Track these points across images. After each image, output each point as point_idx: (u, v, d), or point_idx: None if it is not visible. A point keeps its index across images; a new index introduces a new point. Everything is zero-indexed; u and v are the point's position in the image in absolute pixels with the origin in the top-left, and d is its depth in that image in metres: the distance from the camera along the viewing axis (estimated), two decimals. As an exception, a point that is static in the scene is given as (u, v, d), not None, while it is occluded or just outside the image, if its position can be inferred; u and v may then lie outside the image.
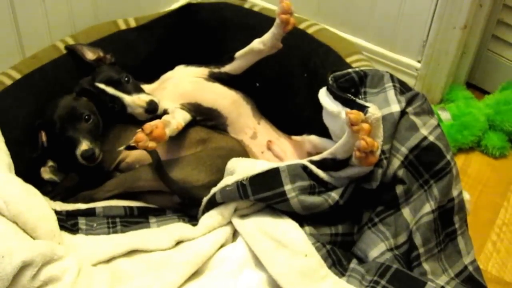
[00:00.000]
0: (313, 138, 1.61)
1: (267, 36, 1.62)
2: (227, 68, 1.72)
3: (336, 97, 1.41)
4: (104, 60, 1.70)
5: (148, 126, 1.42)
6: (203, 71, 1.73)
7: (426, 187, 1.35)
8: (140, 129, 1.41)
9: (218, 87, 1.71)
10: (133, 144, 1.41)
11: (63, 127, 1.56)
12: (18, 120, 1.58)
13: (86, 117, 1.57)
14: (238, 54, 1.69)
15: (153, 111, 1.60)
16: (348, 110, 1.31)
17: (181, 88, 1.69)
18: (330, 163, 1.37)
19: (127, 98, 1.60)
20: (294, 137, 1.70)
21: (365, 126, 1.27)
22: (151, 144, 1.42)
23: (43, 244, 1.19)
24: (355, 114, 1.27)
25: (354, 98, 1.37)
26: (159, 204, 1.57)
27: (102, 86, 1.61)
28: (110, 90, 1.61)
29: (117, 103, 1.61)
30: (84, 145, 1.53)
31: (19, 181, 1.36)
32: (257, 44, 1.64)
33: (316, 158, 1.40)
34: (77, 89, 1.63)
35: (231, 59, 1.71)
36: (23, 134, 1.57)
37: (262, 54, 1.66)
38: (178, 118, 1.56)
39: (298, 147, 1.67)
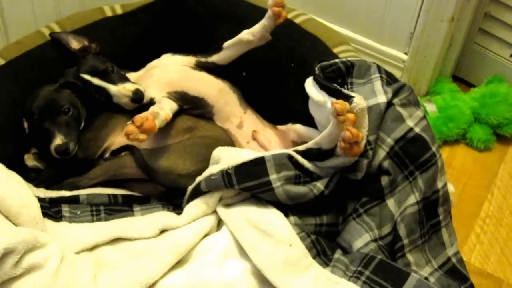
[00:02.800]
0: (298, 127, 1.60)
1: (257, 27, 1.61)
2: (214, 58, 1.71)
3: (322, 87, 1.41)
4: (89, 49, 1.68)
5: (138, 118, 1.41)
6: (190, 59, 1.72)
7: (411, 178, 1.35)
8: (130, 122, 1.41)
9: (204, 76, 1.70)
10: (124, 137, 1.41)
11: (41, 118, 1.54)
12: (2, 106, 1.56)
13: (66, 110, 1.56)
14: (226, 44, 1.68)
15: (139, 100, 1.58)
16: (334, 100, 1.30)
17: (168, 76, 1.68)
18: (315, 153, 1.37)
19: (112, 88, 1.59)
20: (280, 127, 1.70)
21: (350, 116, 1.27)
22: (142, 137, 1.41)
23: (25, 231, 1.18)
24: (340, 104, 1.27)
25: (340, 88, 1.37)
26: (143, 192, 1.56)
27: (87, 77, 1.60)
28: (95, 81, 1.59)
29: (103, 94, 1.60)
30: (58, 140, 1.52)
31: (1, 167, 1.35)
32: (246, 35, 1.63)
33: (301, 148, 1.40)
34: (61, 81, 1.61)
35: (218, 49, 1.70)
36: (6, 121, 1.56)
37: (251, 45, 1.65)
38: (166, 109, 1.56)
39: (284, 137, 1.67)
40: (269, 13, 1.56)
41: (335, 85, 1.39)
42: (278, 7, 1.55)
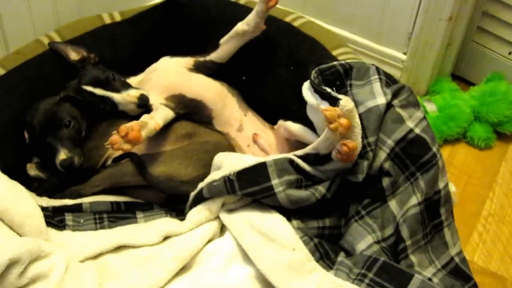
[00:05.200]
0: (289, 124, 1.60)
1: (250, 15, 1.64)
2: (212, 56, 1.72)
3: (316, 90, 1.41)
4: (88, 60, 1.68)
5: (123, 128, 1.40)
6: (188, 61, 1.73)
7: (413, 179, 1.35)
8: (115, 132, 1.41)
9: (202, 78, 1.71)
10: (108, 146, 1.40)
11: (42, 133, 1.55)
12: (3, 116, 1.56)
13: (66, 123, 1.56)
14: (222, 40, 1.70)
15: (145, 105, 1.59)
16: (324, 106, 1.30)
17: (166, 79, 1.69)
18: (313, 158, 1.38)
19: (117, 97, 1.59)
20: (275, 127, 1.70)
21: (343, 121, 1.27)
22: (126, 147, 1.41)
23: (30, 241, 1.18)
24: (330, 111, 1.27)
25: (329, 91, 1.36)
26: (146, 199, 1.56)
27: (89, 88, 1.60)
28: (98, 91, 1.59)
29: (108, 103, 1.60)
30: (63, 154, 1.52)
31: (4, 178, 1.35)
32: (240, 25, 1.66)
33: (299, 152, 1.40)
34: (62, 94, 1.60)
35: (216, 46, 1.72)
36: (8, 131, 1.56)
37: (246, 36, 1.67)
38: (156, 118, 1.54)
39: (283, 138, 1.67)
40: None
41: (325, 87, 1.38)
42: None
